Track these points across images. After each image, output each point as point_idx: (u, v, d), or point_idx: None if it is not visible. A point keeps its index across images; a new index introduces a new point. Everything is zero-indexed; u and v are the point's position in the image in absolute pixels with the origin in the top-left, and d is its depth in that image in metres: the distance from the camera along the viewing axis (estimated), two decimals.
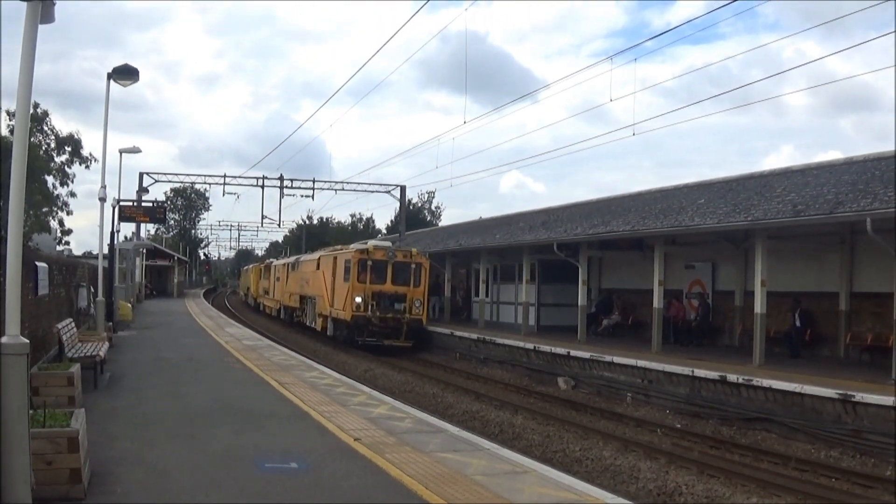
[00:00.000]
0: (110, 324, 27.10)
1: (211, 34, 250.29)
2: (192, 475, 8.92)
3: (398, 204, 63.07)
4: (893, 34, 16.33)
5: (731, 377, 19.04)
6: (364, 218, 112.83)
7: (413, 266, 34.18)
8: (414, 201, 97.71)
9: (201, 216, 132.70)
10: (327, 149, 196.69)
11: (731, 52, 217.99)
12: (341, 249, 38.84)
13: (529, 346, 27.55)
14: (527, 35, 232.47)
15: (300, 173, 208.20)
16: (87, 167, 45.33)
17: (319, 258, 41.38)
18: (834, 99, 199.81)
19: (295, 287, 47.57)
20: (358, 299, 33.15)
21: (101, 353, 16.42)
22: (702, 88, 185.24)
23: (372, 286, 33.34)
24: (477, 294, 39.47)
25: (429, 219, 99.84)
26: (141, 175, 55.19)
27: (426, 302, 35.05)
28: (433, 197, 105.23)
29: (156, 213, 43.73)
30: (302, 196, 59.44)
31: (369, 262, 33.57)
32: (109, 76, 23.84)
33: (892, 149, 22.27)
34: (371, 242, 36.95)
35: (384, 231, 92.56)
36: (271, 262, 64.07)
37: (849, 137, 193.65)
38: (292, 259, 52.83)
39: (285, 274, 52.11)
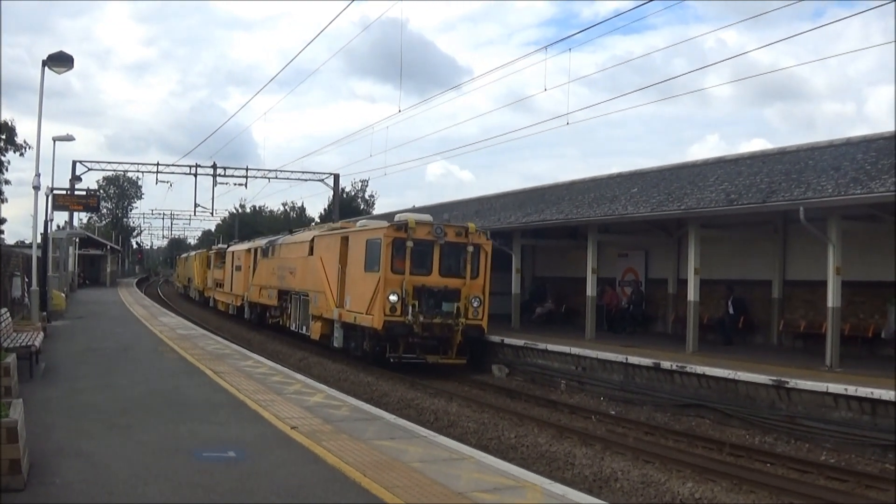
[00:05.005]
0: (45, 313, 26.74)
1: (141, 21, 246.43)
2: (130, 465, 8.91)
3: (331, 192, 63.17)
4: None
5: (665, 364, 19.31)
6: (296, 206, 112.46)
7: (470, 248, 24.77)
8: (347, 190, 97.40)
9: (134, 205, 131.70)
10: (254, 137, 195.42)
11: (662, 42, 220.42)
12: (347, 227, 29.29)
13: None
14: (454, 24, 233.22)
15: (228, 162, 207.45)
16: (21, 154, 44.43)
17: (314, 239, 31.11)
18: (758, 88, 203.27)
19: (269, 279, 37.08)
20: (393, 298, 23.74)
21: (37, 343, 16.26)
22: (630, 79, 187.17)
23: (412, 278, 24.03)
24: None
25: (363, 207, 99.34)
26: (74, 163, 54.43)
27: (487, 300, 25.31)
28: (367, 185, 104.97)
29: (89, 202, 43.16)
30: (235, 184, 59.29)
31: (408, 244, 23.99)
32: (44, 63, 23.47)
33: (823, 139, 22.81)
34: (409, 215, 25.75)
35: (317, 220, 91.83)
36: (225, 248, 54.09)
37: (773, 127, 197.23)
38: (263, 242, 41.58)
39: (251, 262, 41.94)
